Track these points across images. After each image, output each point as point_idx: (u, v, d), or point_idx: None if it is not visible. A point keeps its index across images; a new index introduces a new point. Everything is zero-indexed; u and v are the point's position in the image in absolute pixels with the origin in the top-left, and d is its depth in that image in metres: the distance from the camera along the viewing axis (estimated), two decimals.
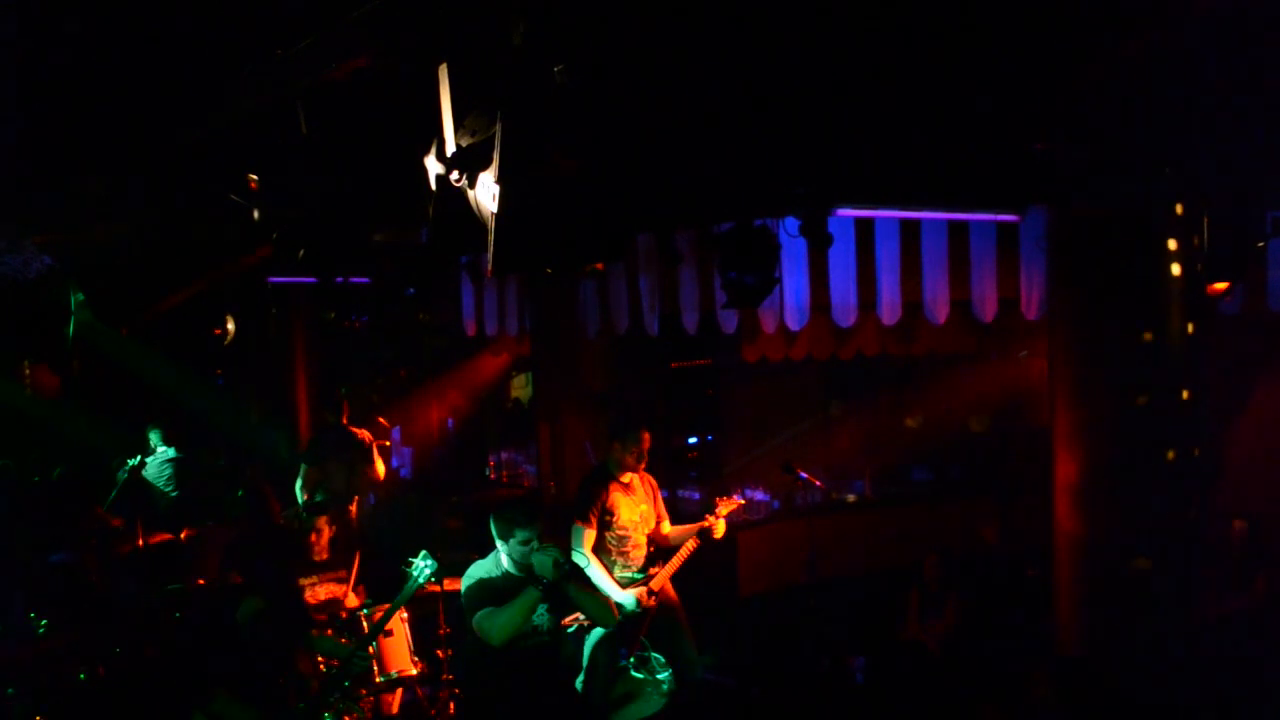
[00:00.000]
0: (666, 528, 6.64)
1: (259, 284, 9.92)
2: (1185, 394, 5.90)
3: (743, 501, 6.97)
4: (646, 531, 6.49)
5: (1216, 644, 6.55)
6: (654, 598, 6.39)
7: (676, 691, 6.54)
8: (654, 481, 6.68)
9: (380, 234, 7.14)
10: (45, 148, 5.59)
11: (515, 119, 3.32)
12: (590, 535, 6.27)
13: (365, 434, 9.53)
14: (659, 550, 6.59)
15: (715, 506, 6.67)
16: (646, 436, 6.42)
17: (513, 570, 4.97)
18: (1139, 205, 5.84)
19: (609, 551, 6.35)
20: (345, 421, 9.57)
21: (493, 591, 4.93)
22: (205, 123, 5.08)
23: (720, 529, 6.50)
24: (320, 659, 5.98)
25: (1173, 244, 5.83)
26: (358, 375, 13.98)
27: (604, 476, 6.43)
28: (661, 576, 6.44)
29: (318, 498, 8.73)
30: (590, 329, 9.56)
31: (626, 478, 6.42)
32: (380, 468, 9.59)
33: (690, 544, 6.48)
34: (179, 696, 4.63)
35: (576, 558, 6.20)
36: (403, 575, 5.94)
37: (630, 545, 6.38)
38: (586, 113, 3.43)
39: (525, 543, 4.90)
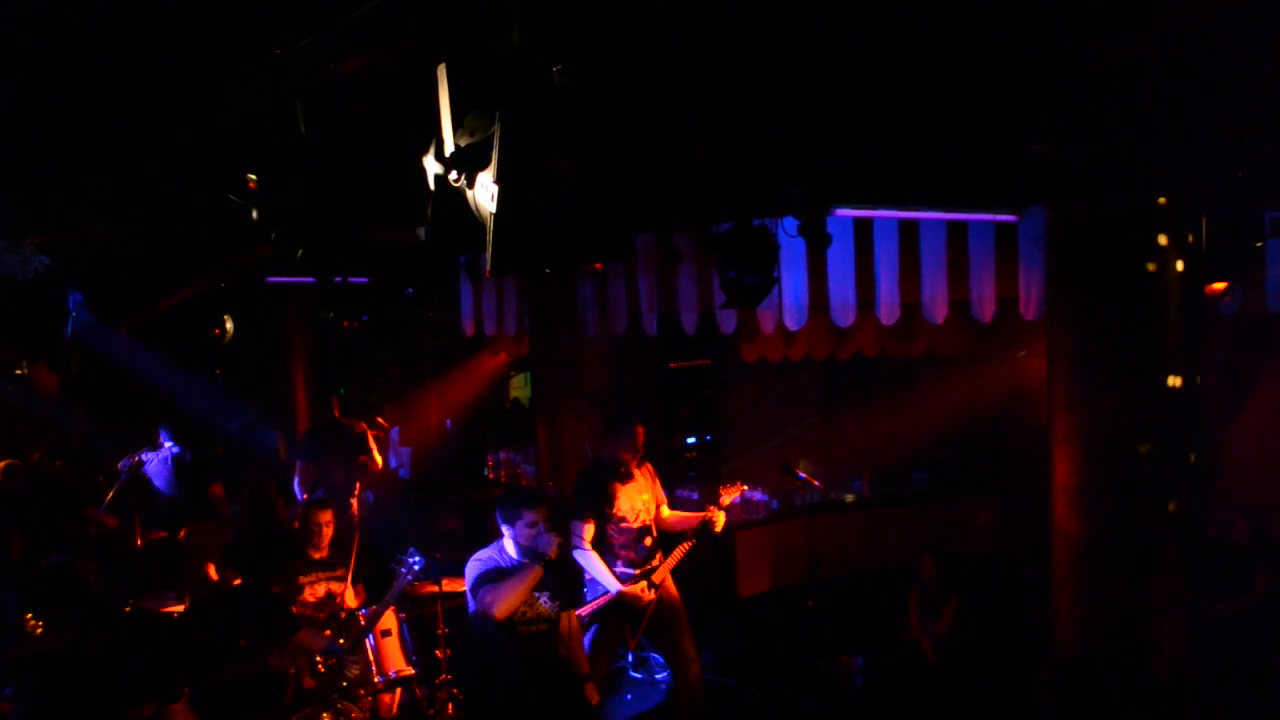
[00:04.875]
0: (666, 512, 6.66)
1: (257, 284, 9.93)
2: (1183, 394, 5.91)
3: (745, 487, 7.00)
4: (648, 520, 6.50)
5: (1216, 644, 6.56)
6: (654, 590, 6.40)
7: (675, 691, 6.56)
8: (652, 468, 6.71)
9: (379, 234, 7.14)
10: (45, 148, 5.59)
11: (514, 119, 3.32)
12: (589, 529, 6.29)
13: (361, 425, 9.58)
14: (661, 544, 6.61)
15: (719, 496, 6.71)
16: (640, 430, 6.46)
17: (515, 554, 5.12)
18: (1137, 206, 5.84)
19: (610, 545, 6.36)
20: (338, 415, 9.63)
21: (496, 571, 5.10)
22: (204, 122, 5.09)
23: (720, 521, 6.52)
24: (318, 659, 5.98)
25: (1170, 244, 5.84)
26: (356, 375, 14.00)
27: (599, 470, 6.47)
28: (662, 570, 6.46)
29: (317, 495, 8.75)
30: (589, 329, 9.56)
31: (623, 468, 6.45)
32: (378, 458, 9.66)
33: (685, 545, 6.50)
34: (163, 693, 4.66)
35: (576, 554, 6.22)
36: (391, 573, 5.95)
37: (630, 537, 6.38)
38: (585, 113, 3.43)
39: (532, 525, 5.06)
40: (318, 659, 5.97)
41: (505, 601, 5.01)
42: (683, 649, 6.45)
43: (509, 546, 5.18)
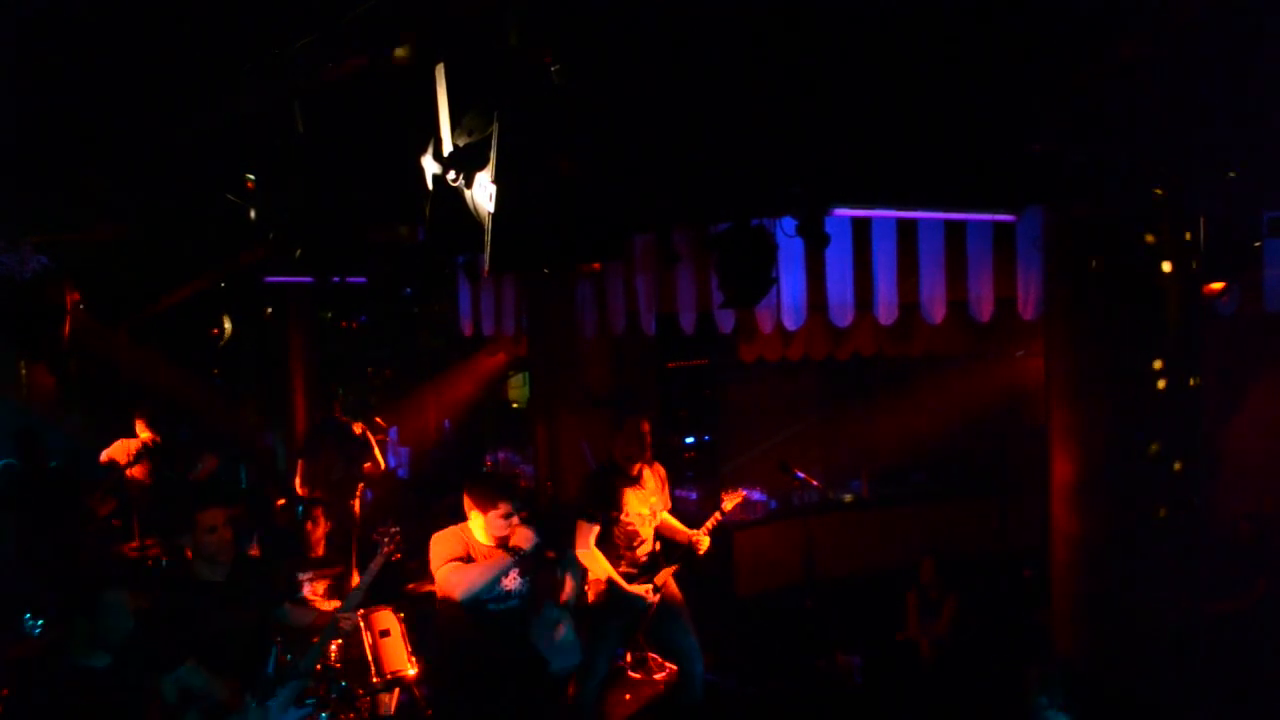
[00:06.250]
0: (664, 516, 6.66)
1: (255, 284, 9.92)
2: (1181, 394, 5.91)
3: (745, 493, 7.00)
4: (655, 525, 6.50)
5: (1216, 644, 6.55)
6: (657, 594, 6.40)
7: (679, 688, 6.55)
8: (663, 472, 6.69)
9: (377, 234, 7.14)
10: (44, 148, 5.58)
11: (512, 119, 3.32)
12: (595, 531, 6.27)
13: (360, 427, 9.57)
14: (665, 548, 6.61)
15: (720, 500, 6.71)
16: (646, 425, 6.44)
17: (482, 539, 5.14)
18: (1136, 206, 5.85)
19: (616, 547, 6.35)
20: (339, 415, 9.62)
21: (463, 554, 5.12)
22: (202, 122, 5.07)
23: (704, 546, 6.56)
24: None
25: (1169, 244, 5.84)
26: (355, 374, 13.99)
27: (610, 472, 6.44)
28: (664, 574, 6.45)
29: (313, 495, 8.75)
30: (587, 329, 9.56)
31: (635, 470, 6.42)
32: (380, 460, 9.66)
33: (669, 570, 6.50)
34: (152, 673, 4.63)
35: (580, 555, 6.21)
36: (375, 546, 5.86)
37: (637, 541, 6.37)
38: (583, 112, 3.43)
39: (506, 516, 5.10)
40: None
41: (470, 586, 5.02)
42: (688, 647, 6.45)
43: (477, 531, 5.17)
